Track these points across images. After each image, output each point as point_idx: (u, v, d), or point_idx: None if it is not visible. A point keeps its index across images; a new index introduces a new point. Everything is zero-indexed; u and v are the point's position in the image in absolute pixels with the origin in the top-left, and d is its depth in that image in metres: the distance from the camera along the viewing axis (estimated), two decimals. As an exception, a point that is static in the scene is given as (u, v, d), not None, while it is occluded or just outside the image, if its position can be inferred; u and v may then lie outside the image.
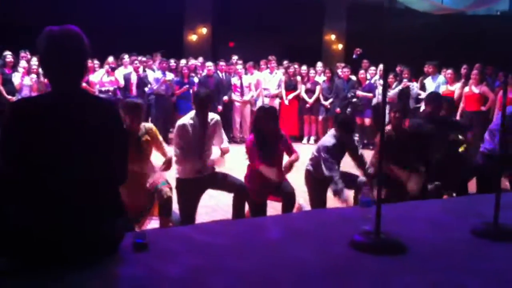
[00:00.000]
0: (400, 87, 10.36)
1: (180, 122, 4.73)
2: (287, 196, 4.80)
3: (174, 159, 4.59)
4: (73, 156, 2.23)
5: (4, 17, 12.32)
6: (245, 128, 11.06)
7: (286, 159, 4.97)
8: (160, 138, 4.61)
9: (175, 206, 4.68)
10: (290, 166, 4.85)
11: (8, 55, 9.64)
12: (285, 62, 11.42)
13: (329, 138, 5.06)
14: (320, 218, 3.24)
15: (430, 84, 10.36)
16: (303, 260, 2.47)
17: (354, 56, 11.85)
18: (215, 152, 4.90)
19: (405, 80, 10.43)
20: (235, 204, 4.71)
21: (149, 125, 4.62)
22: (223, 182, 4.77)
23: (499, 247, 2.70)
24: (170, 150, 4.67)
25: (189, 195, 4.64)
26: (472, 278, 2.29)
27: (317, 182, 4.97)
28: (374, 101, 10.78)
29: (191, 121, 4.69)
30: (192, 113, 4.80)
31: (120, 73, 10.12)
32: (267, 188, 4.69)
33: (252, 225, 3.16)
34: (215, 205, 5.29)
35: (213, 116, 4.85)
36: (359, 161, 5.19)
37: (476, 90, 9.47)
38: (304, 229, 2.97)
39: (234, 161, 5.04)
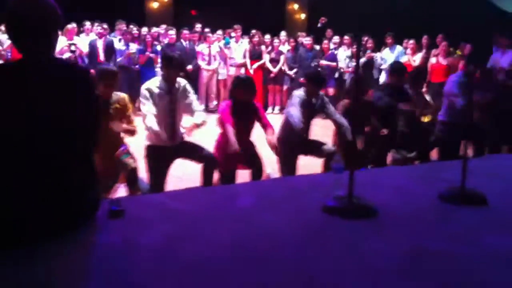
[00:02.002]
0: (364, 58, 10.47)
1: (145, 86, 4.61)
2: (256, 165, 4.84)
3: (143, 126, 4.55)
4: (44, 124, 2.18)
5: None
6: (211, 97, 11.02)
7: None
8: (130, 109, 4.57)
9: (144, 175, 4.67)
10: (271, 144, 4.87)
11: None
12: (253, 32, 11.35)
13: (298, 93, 5.12)
14: (291, 185, 3.28)
15: (388, 55, 10.51)
16: (275, 226, 2.49)
17: (318, 25, 11.87)
18: (186, 120, 4.83)
19: (368, 51, 10.54)
20: (203, 174, 4.70)
21: (121, 94, 4.56)
22: (192, 152, 4.73)
23: (466, 210, 2.80)
24: (138, 121, 4.63)
25: (159, 162, 4.61)
26: (439, 241, 2.38)
27: (288, 148, 5.02)
28: (338, 71, 10.90)
29: (157, 86, 4.59)
30: (157, 78, 4.73)
31: (82, 40, 9.87)
32: (236, 157, 4.71)
33: (224, 192, 3.17)
34: (181, 175, 5.29)
35: (180, 81, 4.75)
36: (336, 121, 5.27)
37: (444, 61, 9.64)
38: (275, 195, 3.00)
39: (201, 130, 5.00)
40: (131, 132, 4.53)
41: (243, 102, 4.83)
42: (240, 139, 4.72)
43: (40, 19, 2.22)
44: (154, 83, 4.61)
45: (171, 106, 4.63)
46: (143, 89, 4.60)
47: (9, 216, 2.10)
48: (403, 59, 10.27)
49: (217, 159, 4.70)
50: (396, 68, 5.88)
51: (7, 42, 9.29)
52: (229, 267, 2.03)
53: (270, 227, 2.48)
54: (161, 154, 4.60)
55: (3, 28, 9.53)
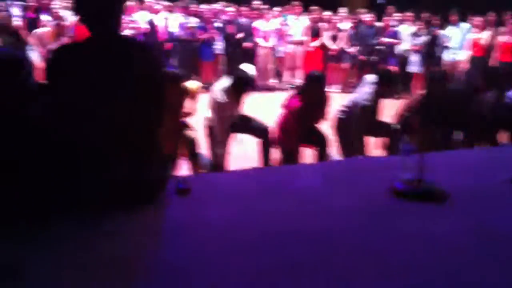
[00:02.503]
0: (429, 36, 10.15)
1: (217, 88, 4.66)
2: (321, 143, 4.78)
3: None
4: (110, 100, 2.21)
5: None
6: (268, 74, 10.95)
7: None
8: (198, 97, 4.62)
9: (205, 152, 4.69)
10: None
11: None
12: (312, 8, 11.15)
13: (368, 96, 4.95)
14: (357, 166, 3.21)
15: (454, 33, 10.14)
16: (342, 208, 2.45)
17: (378, 1, 11.56)
18: None
19: (434, 28, 10.21)
20: (260, 148, 4.72)
21: (192, 85, 4.60)
22: (249, 125, 4.77)
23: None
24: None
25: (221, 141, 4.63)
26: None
27: (349, 129, 4.93)
28: (399, 48, 10.59)
29: (225, 94, 4.60)
30: (225, 83, 4.71)
31: (141, 17, 9.97)
32: (300, 135, 4.67)
33: (288, 172, 3.14)
34: (243, 153, 5.27)
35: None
36: None
37: (513, 40, 9.24)
38: (341, 176, 2.95)
39: (258, 108, 4.98)
40: (187, 116, 4.64)
41: (315, 100, 4.76)
42: (306, 124, 4.70)
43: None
44: (220, 91, 4.63)
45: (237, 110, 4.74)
46: (215, 90, 4.65)
47: (75, 190, 2.14)
48: (469, 37, 9.88)
49: (278, 137, 4.68)
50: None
51: (70, 18, 9.47)
52: (295, 248, 2.00)
53: (336, 209, 2.44)
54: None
55: (64, 3, 9.72)
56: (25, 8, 9.48)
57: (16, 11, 9.40)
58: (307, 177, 2.93)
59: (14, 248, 1.92)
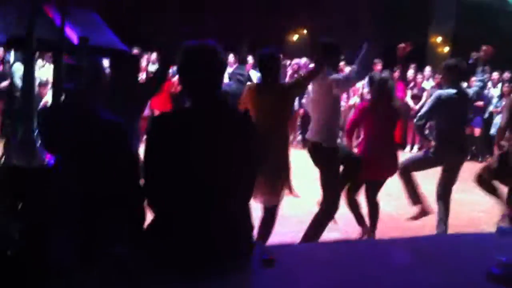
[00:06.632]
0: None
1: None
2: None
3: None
4: (211, 170, 2.20)
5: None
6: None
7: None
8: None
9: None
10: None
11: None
12: (410, 72, 10.97)
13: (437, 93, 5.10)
14: (451, 244, 3.04)
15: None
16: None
17: (470, 61, 11.24)
18: None
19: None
20: (344, 174, 4.55)
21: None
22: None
23: None
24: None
25: (336, 164, 4.46)
26: None
27: None
28: (487, 111, 10.18)
29: None
30: None
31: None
32: (381, 164, 4.60)
33: (375, 246, 3.03)
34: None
35: None
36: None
37: None
38: (433, 255, 2.78)
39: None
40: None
41: (385, 102, 4.71)
42: (381, 141, 4.60)
43: (213, 68, 2.27)
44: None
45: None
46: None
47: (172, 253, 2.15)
48: None
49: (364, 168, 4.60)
50: None
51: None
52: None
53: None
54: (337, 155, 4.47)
55: (153, 57, 10.10)
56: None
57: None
58: (397, 253, 2.79)
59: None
